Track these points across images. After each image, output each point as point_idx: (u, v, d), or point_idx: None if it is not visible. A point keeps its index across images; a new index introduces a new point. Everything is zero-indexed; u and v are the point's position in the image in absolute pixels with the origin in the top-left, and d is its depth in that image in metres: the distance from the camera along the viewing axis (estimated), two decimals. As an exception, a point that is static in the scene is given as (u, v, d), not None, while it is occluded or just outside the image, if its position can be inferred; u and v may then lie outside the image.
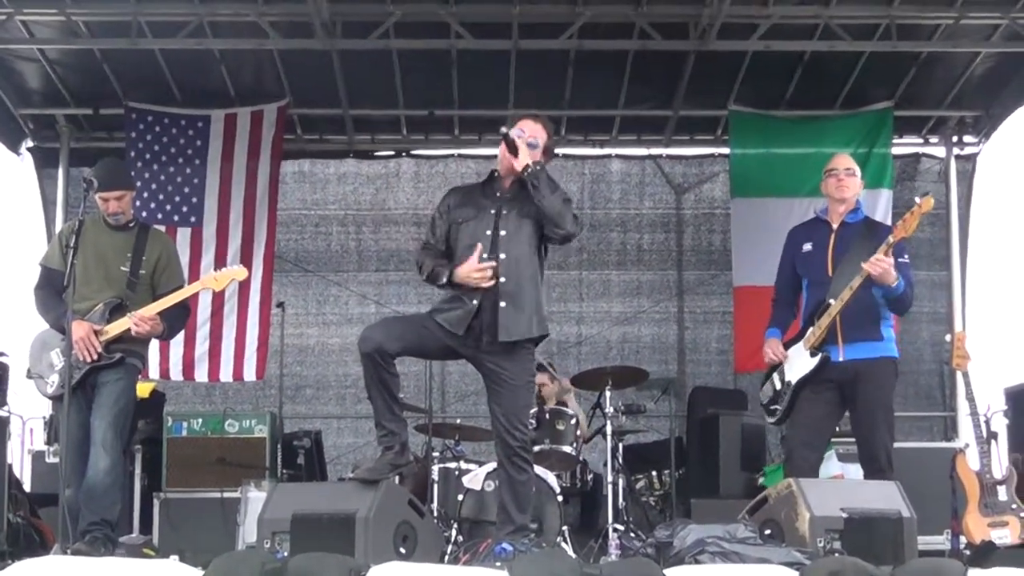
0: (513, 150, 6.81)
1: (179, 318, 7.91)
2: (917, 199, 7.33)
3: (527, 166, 6.76)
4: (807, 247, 7.80)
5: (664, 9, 10.67)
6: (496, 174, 7.05)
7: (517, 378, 6.79)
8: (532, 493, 7.00)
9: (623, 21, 10.75)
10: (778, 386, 7.77)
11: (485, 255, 6.74)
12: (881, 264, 7.25)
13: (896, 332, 7.80)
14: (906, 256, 7.64)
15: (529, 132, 6.95)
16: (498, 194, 6.94)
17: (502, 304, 6.72)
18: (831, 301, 7.46)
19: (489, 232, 6.81)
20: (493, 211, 6.87)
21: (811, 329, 7.56)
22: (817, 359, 7.51)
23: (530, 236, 6.83)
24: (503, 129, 6.90)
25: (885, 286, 7.34)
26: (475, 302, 6.74)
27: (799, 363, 7.62)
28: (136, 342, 7.63)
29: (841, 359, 7.49)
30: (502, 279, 6.74)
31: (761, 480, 10.00)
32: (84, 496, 7.24)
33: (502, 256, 6.77)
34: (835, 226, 7.73)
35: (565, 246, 12.49)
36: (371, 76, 11.63)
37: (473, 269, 6.71)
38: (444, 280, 6.82)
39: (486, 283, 6.70)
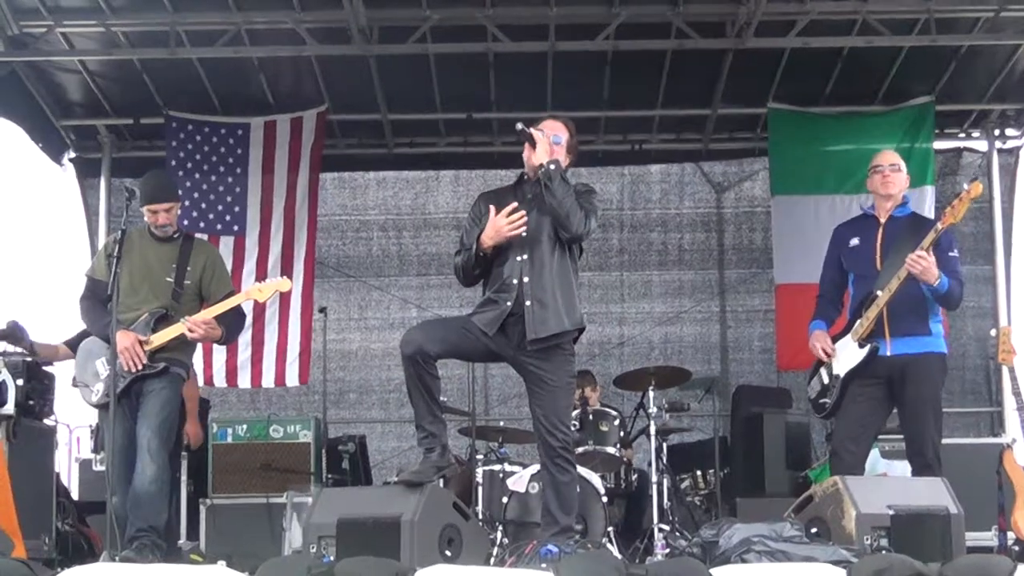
0: (532, 143, 6.81)
1: (237, 322, 7.98)
2: (965, 185, 7.31)
3: (542, 165, 6.76)
4: (854, 242, 7.78)
5: (701, 8, 10.64)
6: (525, 176, 7.04)
7: (557, 380, 6.78)
8: (576, 494, 6.98)
9: (660, 21, 10.73)
10: (826, 380, 7.74)
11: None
12: (920, 262, 7.22)
13: (945, 327, 7.76)
14: (955, 251, 7.60)
15: (550, 131, 6.93)
16: (530, 196, 6.92)
17: (527, 303, 6.72)
18: (878, 292, 7.44)
19: (524, 233, 6.80)
20: (525, 213, 6.86)
21: (859, 321, 7.54)
22: (866, 350, 7.48)
23: (551, 235, 6.81)
24: (519, 125, 6.90)
25: (927, 284, 7.31)
26: (509, 303, 6.75)
27: (847, 355, 7.60)
28: (180, 351, 7.67)
29: (888, 353, 7.47)
30: (526, 279, 6.75)
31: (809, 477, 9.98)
32: (131, 504, 7.28)
33: (524, 256, 6.78)
34: (883, 220, 7.71)
35: (606, 248, 12.85)
36: (409, 81, 11.65)
37: (496, 220, 6.70)
38: (473, 251, 6.81)
39: (519, 228, 6.68)
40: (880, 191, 7.74)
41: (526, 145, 6.90)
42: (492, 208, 6.79)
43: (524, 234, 6.73)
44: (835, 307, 7.94)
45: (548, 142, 6.83)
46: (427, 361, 6.67)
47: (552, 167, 6.75)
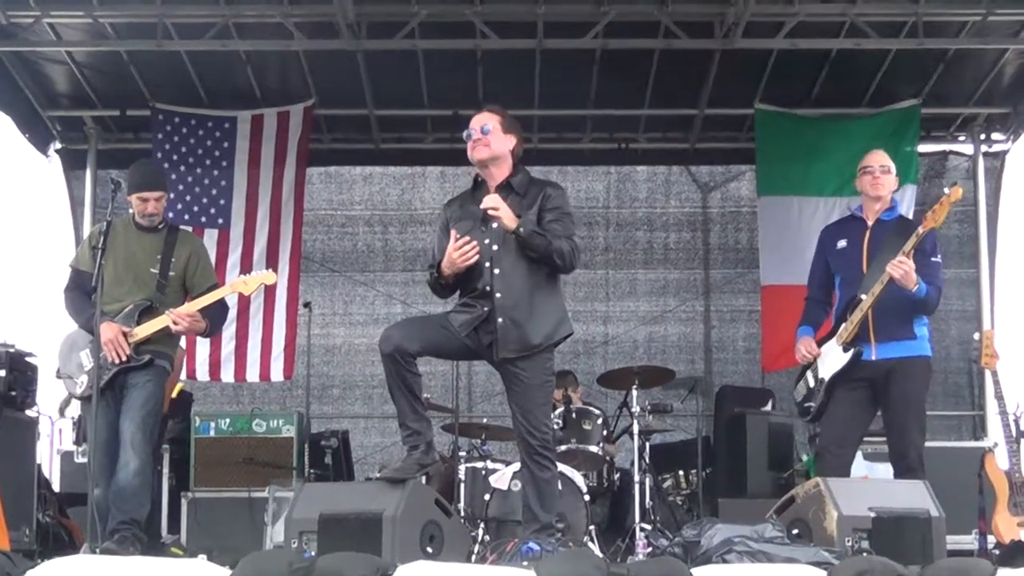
0: (494, 218, 6.67)
1: (220, 315, 7.96)
2: (946, 189, 7.30)
3: (512, 231, 6.64)
4: (842, 244, 7.77)
5: (689, 8, 10.65)
6: (479, 179, 6.98)
7: (534, 378, 6.75)
8: (556, 491, 6.98)
9: (648, 20, 10.72)
10: (811, 384, 7.74)
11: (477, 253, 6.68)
12: (902, 266, 7.22)
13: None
14: (939, 256, 7.61)
15: (476, 126, 6.90)
16: None
17: (499, 320, 6.68)
18: (862, 296, 7.43)
19: (488, 241, 6.74)
20: (475, 241, 6.74)
21: (843, 325, 7.53)
22: (850, 354, 7.48)
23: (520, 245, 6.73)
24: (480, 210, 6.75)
25: (906, 289, 7.31)
26: (486, 308, 6.71)
27: (832, 359, 7.60)
28: (165, 344, 7.66)
29: (873, 357, 7.46)
30: (498, 294, 6.70)
31: (804, 461, 10.01)
32: (113, 497, 7.27)
33: (496, 271, 6.71)
34: (870, 223, 7.69)
35: (592, 246, 12.87)
36: (396, 76, 11.64)
37: (450, 252, 6.67)
38: (436, 279, 6.80)
39: (470, 257, 6.62)
40: (869, 192, 7.72)
41: (471, 145, 6.89)
42: (453, 232, 6.71)
43: (479, 257, 6.66)
44: (823, 309, 7.92)
45: (506, 210, 6.65)
46: (406, 359, 6.64)
47: (521, 231, 6.64)
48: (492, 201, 6.67)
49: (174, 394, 10.20)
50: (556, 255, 6.69)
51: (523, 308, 6.70)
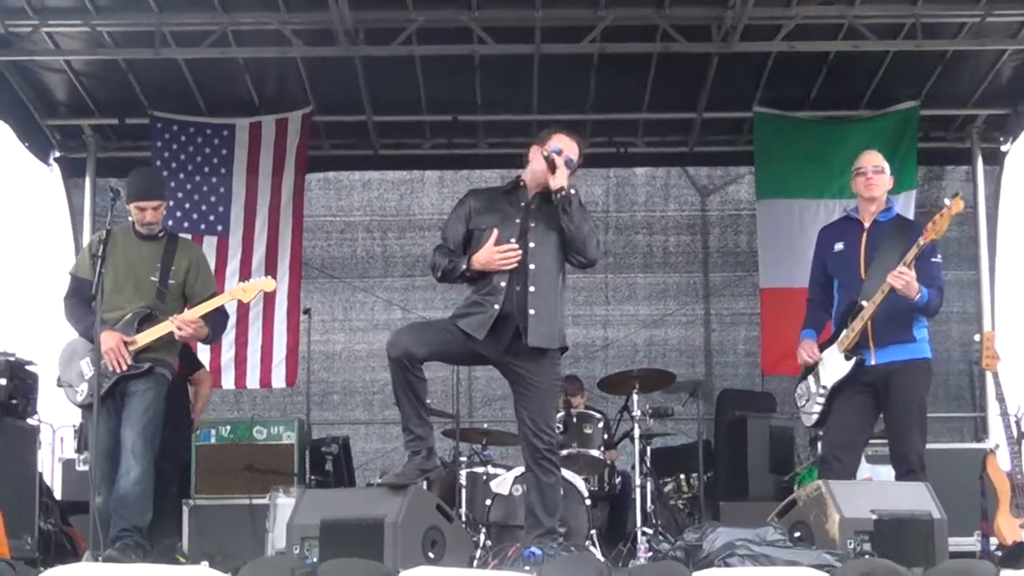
0: (552, 168, 6.76)
1: (220, 322, 7.95)
2: (947, 200, 7.25)
3: (561, 189, 6.73)
4: (838, 247, 7.73)
5: (687, 11, 10.64)
6: (521, 182, 7.01)
7: (544, 382, 6.78)
8: (560, 496, 7.00)
9: (646, 24, 10.73)
10: (813, 389, 7.70)
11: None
12: (903, 277, 7.20)
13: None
14: (938, 256, 7.58)
15: (566, 150, 6.89)
16: (523, 203, 6.89)
17: (531, 311, 6.70)
18: (863, 303, 7.40)
19: (514, 241, 6.78)
20: (519, 220, 6.83)
21: (844, 332, 7.50)
22: (852, 363, 7.45)
23: (557, 249, 6.81)
24: (544, 151, 6.80)
25: (907, 298, 7.29)
26: (497, 307, 6.73)
27: (834, 366, 7.56)
28: (165, 351, 7.64)
29: (874, 362, 7.44)
30: (531, 288, 6.72)
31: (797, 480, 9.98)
32: (115, 505, 7.27)
33: (532, 267, 6.75)
34: (866, 225, 7.66)
35: None
36: (394, 82, 11.64)
37: (493, 252, 6.71)
38: (462, 270, 6.82)
39: (510, 264, 6.70)
40: (863, 193, 7.68)
41: (534, 153, 6.89)
42: (495, 233, 6.75)
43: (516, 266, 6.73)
44: (825, 310, 7.87)
45: (564, 167, 6.79)
46: (414, 364, 6.67)
47: (573, 192, 6.75)
48: (561, 162, 6.75)
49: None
50: (589, 236, 6.79)
51: (552, 305, 6.78)
